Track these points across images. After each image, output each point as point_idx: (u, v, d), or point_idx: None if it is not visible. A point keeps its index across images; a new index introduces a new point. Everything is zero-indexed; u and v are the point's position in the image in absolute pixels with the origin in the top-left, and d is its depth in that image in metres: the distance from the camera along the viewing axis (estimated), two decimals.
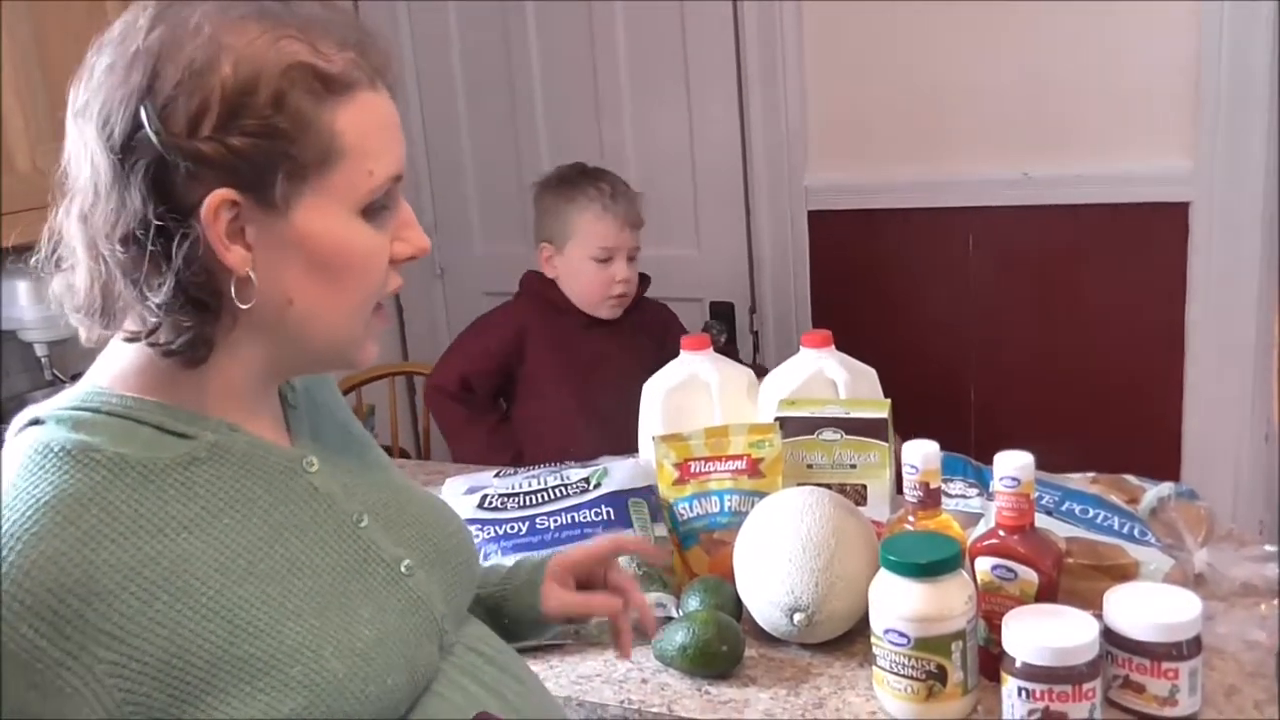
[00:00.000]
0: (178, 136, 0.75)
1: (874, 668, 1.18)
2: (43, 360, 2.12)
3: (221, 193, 0.76)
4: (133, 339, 0.81)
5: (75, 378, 2.53)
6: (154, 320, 0.79)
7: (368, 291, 0.86)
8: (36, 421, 0.81)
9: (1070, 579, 1.22)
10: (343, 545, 0.88)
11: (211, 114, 0.75)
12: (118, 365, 0.84)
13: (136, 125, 0.75)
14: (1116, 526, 1.31)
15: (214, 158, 0.75)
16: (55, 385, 2.12)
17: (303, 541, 0.85)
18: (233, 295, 0.79)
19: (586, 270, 2.11)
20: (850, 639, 1.31)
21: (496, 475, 1.62)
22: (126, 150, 0.76)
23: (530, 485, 1.55)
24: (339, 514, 0.89)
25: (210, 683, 0.75)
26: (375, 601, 0.86)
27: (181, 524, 0.78)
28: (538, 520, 1.47)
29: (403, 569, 0.90)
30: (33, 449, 0.78)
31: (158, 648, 0.74)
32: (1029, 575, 1.16)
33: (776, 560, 1.27)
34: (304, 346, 0.86)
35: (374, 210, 0.84)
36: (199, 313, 0.79)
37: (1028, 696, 1.07)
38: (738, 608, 1.34)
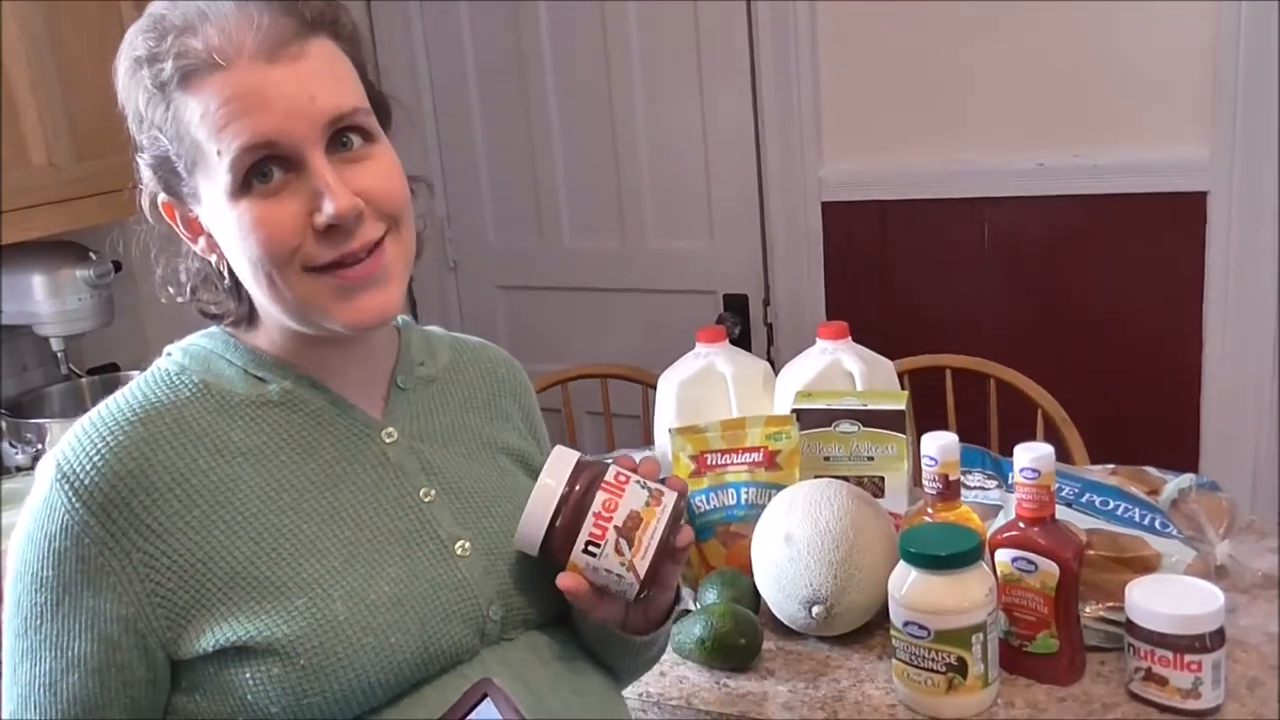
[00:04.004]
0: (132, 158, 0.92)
1: (893, 660, 1.18)
2: (59, 355, 2.11)
3: (154, 193, 0.91)
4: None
5: (91, 372, 2.53)
6: (189, 293, 0.95)
7: (276, 262, 0.84)
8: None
9: (1091, 571, 1.21)
10: (397, 511, 0.92)
11: (133, 136, 0.89)
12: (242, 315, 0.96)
13: None
14: (1137, 518, 1.30)
15: (142, 171, 0.90)
16: (70, 379, 2.13)
17: (356, 496, 0.91)
18: (223, 274, 0.91)
19: None
20: (869, 631, 1.30)
21: None
22: None
23: None
24: (404, 484, 0.94)
25: (226, 594, 0.83)
26: (409, 568, 0.90)
27: (240, 450, 0.88)
28: None
29: (457, 549, 0.93)
30: (151, 368, 0.93)
31: (188, 550, 0.83)
32: (1050, 567, 1.15)
33: (794, 553, 1.27)
34: (284, 315, 0.89)
35: (250, 184, 0.83)
36: (216, 287, 0.93)
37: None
38: (755, 600, 1.34)
